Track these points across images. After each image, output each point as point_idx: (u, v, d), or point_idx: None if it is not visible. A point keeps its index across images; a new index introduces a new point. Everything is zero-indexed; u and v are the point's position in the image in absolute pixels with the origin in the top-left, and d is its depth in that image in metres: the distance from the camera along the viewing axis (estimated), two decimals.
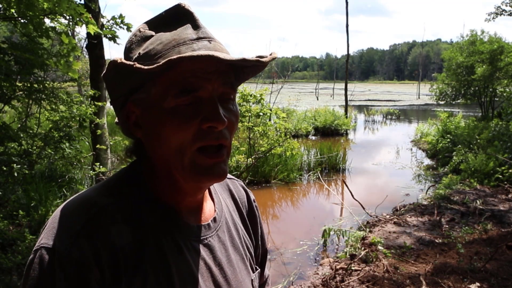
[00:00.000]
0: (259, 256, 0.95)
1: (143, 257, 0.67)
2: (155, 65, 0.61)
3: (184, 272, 0.71)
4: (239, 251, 0.83)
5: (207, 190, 0.84)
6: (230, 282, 0.77)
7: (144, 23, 0.73)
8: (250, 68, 0.75)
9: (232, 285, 0.77)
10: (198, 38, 0.68)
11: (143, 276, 0.66)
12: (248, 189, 0.97)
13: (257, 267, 0.91)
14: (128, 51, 0.71)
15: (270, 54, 0.71)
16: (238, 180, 0.97)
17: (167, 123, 0.66)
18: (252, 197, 0.96)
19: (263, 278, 0.99)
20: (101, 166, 4.84)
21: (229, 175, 0.94)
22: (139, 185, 0.73)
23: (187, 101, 0.66)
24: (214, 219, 0.80)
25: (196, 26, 0.70)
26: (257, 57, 0.69)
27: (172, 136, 0.66)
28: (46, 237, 0.64)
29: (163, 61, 0.61)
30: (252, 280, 0.84)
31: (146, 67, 0.62)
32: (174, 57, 0.61)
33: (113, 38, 4.69)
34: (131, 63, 0.63)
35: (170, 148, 0.67)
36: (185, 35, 0.68)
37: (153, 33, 0.70)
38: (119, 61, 0.63)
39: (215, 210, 0.82)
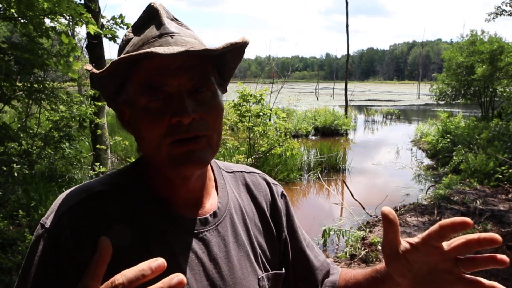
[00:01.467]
0: (287, 253, 0.90)
1: (125, 248, 0.68)
2: (104, 69, 0.66)
3: (169, 267, 0.68)
4: (244, 248, 0.81)
5: (213, 185, 0.83)
6: (225, 278, 0.76)
7: (131, 26, 0.77)
8: (227, 57, 0.74)
9: (227, 281, 0.76)
10: (160, 35, 0.70)
11: (120, 265, 0.66)
12: (273, 183, 0.94)
13: (283, 269, 0.87)
14: (118, 56, 0.76)
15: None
16: (261, 173, 0.94)
17: (142, 120, 0.69)
18: (277, 190, 0.93)
19: (314, 273, 0.92)
20: (101, 166, 4.85)
21: (250, 169, 0.94)
22: (139, 178, 0.76)
23: (155, 97, 0.68)
24: (214, 214, 0.79)
25: (159, 23, 0.71)
26: (226, 45, 0.68)
27: (147, 132, 0.69)
28: (45, 215, 0.72)
29: (108, 64, 0.65)
30: (259, 278, 0.81)
31: (96, 71, 0.67)
32: (116, 59, 0.65)
33: (113, 38, 4.69)
34: (90, 68, 0.69)
35: (149, 143, 0.70)
36: (149, 34, 0.71)
37: (133, 35, 0.74)
38: (87, 68, 0.70)
39: (217, 205, 0.81)
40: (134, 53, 0.64)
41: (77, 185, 0.75)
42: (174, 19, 0.76)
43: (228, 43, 0.69)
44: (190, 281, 0.71)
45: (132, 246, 0.69)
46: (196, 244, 0.74)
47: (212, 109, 0.71)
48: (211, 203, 0.81)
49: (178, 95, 0.68)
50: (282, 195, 0.94)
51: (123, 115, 0.75)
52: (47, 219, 0.70)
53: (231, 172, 0.90)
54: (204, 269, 0.74)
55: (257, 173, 0.94)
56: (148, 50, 0.63)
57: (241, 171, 0.92)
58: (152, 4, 0.74)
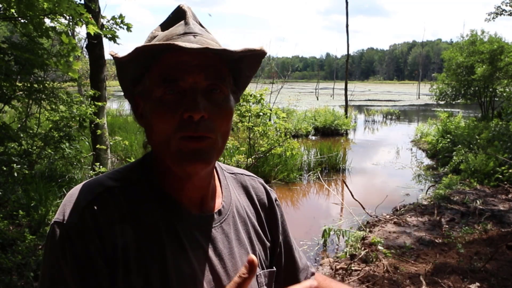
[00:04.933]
0: (281, 255, 0.95)
1: (141, 241, 0.71)
2: (127, 54, 0.69)
3: (180, 260, 0.73)
4: (244, 246, 0.84)
5: (217, 184, 0.86)
6: (230, 273, 0.78)
7: (158, 25, 0.81)
8: (244, 63, 0.77)
9: (232, 277, 0.78)
10: (184, 33, 0.73)
11: (140, 262, 0.70)
12: (269, 188, 0.98)
13: (273, 267, 0.91)
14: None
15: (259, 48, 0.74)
16: (259, 178, 0.99)
17: (154, 112, 0.72)
18: (273, 196, 0.97)
19: (298, 274, 0.98)
20: (101, 166, 4.84)
21: (249, 173, 0.97)
22: (146, 174, 0.78)
23: (171, 91, 0.71)
24: (219, 212, 0.82)
25: (186, 23, 0.75)
26: (245, 49, 0.71)
27: (159, 124, 0.71)
28: (59, 213, 0.72)
29: (131, 50, 0.68)
30: (257, 275, 0.84)
31: (119, 56, 0.71)
32: (139, 46, 0.68)
33: (113, 38, 4.68)
34: (114, 53, 0.72)
35: (159, 136, 0.72)
36: (174, 32, 0.74)
37: (159, 32, 0.78)
38: (111, 53, 0.72)
39: (221, 204, 0.84)
40: (157, 42, 0.68)
41: (86, 181, 0.77)
42: (200, 24, 0.79)
43: (247, 48, 0.71)
44: (198, 275, 0.74)
45: (146, 240, 0.72)
46: (203, 240, 0.77)
47: (222, 111, 0.73)
48: (215, 201, 0.83)
49: (192, 91, 0.70)
50: (276, 201, 0.98)
51: (137, 107, 0.78)
52: (64, 216, 0.70)
53: (232, 173, 0.94)
54: (210, 264, 0.76)
55: (255, 177, 0.98)
56: (171, 42, 0.67)
57: (242, 174, 0.96)
58: (181, 6, 0.79)
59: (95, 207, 0.70)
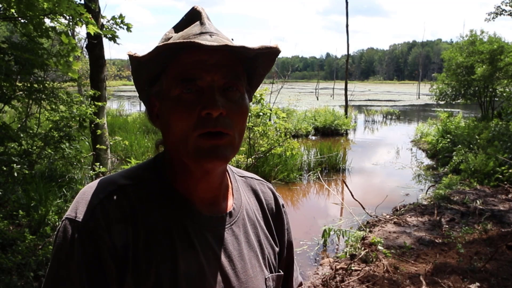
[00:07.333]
0: (285, 261, 0.96)
1: (152, 241, 0.72)
2: (146, 53, 0.69)
3: (191, 260, 0.74)
4: (254, 249, 0.84)
5: (229, 186, 0.87)
6: (239, 275, 0.79)
7: (172, 27, 0.82)
8: (259, 62, 0.78)
9: (241, 278, 0.79)
10: (201, 33, 0.74)
11: (150, 261, 0.71)
12: (277, 194, 0.99)
13: (280, 271, 0.92)
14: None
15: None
16: (268, 183, 1.00)
17: (172, 111, 0.72)
18: (281, 202, 0.98)
19: (292, 284, 1.00)
20: (101, 166, 4.84)
21: (258, 177, 0.99)
22: (158, 173, 0.79)
23: (188, 90, 0.71)
24: (230, 214, 0.83)
25: (201, 23, 0.76)
26: (262, 46, 0.72)
27: (176, 123, 0.72)
28: (71, 210, 0.73)
29: (151, 49, 0.68)
30: (266, 279, 0.85)
31: (139, 55, 0.71)
32: (160, 44, 0.69)
33: (113, 38, 4.69)
34: (132, 53, 0.71)
35: (176, 135, 0.73)
36: (190, 32, 0.75)
37: (173, 34, 0.79)
38: (128, 53, 0.73)
39: (232, 206, 0.84)
40: (178, 40, 0.68)
41: (99, 179, 0.77)
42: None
43: (264, 45, 0.72)
44: (207, 275, 0.75)
45: (156, 239, 0.72)
46: (213, 241, 0.78)
47: (238, 108, 0.74)
48: (226, 203, 0.84)
49: (210, 89, 0.71)
50: (284, 207, 0.98)
51: (153, 107, 0.79)
52: (76, 213, 0.71)
53: (242, 177, 0.95)
54: (220, 265, 0.77)
55: (265, 182, 0.99)
56: (192, 40, 0.67)
57: (252, 177, 0.97)
58: (195, 7, 0.79)
59: (108, 205, 0.71)
